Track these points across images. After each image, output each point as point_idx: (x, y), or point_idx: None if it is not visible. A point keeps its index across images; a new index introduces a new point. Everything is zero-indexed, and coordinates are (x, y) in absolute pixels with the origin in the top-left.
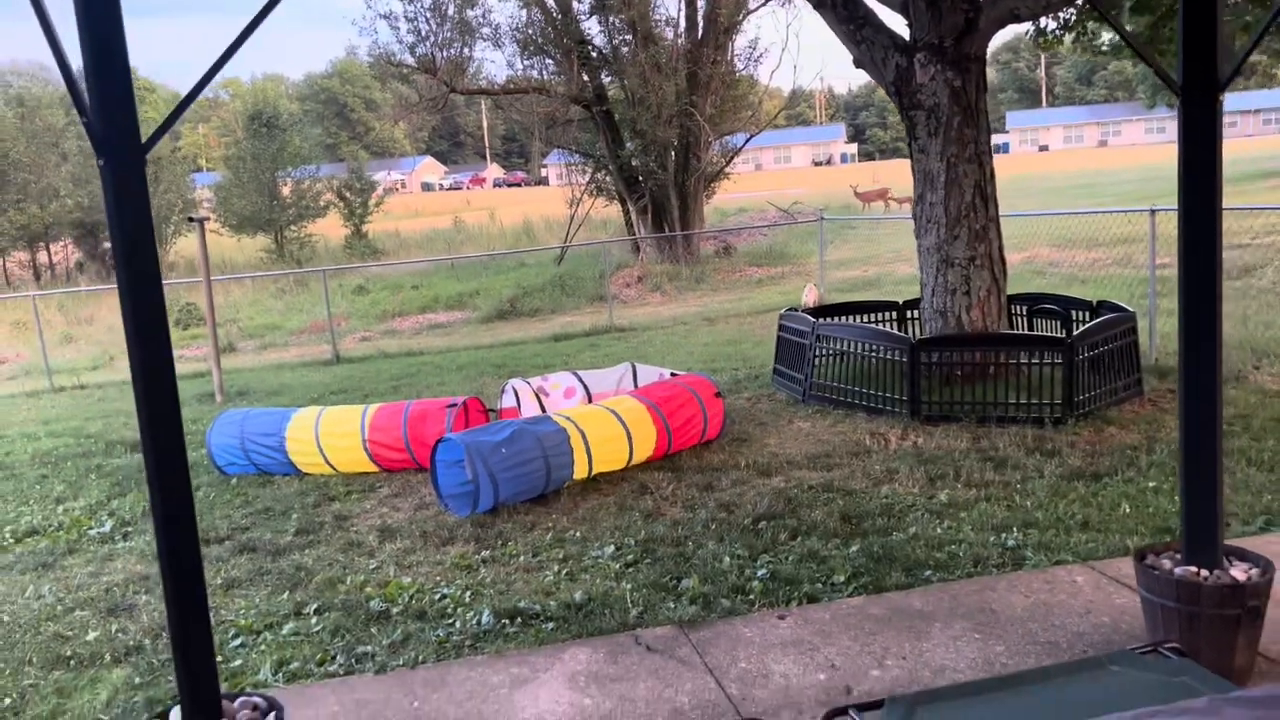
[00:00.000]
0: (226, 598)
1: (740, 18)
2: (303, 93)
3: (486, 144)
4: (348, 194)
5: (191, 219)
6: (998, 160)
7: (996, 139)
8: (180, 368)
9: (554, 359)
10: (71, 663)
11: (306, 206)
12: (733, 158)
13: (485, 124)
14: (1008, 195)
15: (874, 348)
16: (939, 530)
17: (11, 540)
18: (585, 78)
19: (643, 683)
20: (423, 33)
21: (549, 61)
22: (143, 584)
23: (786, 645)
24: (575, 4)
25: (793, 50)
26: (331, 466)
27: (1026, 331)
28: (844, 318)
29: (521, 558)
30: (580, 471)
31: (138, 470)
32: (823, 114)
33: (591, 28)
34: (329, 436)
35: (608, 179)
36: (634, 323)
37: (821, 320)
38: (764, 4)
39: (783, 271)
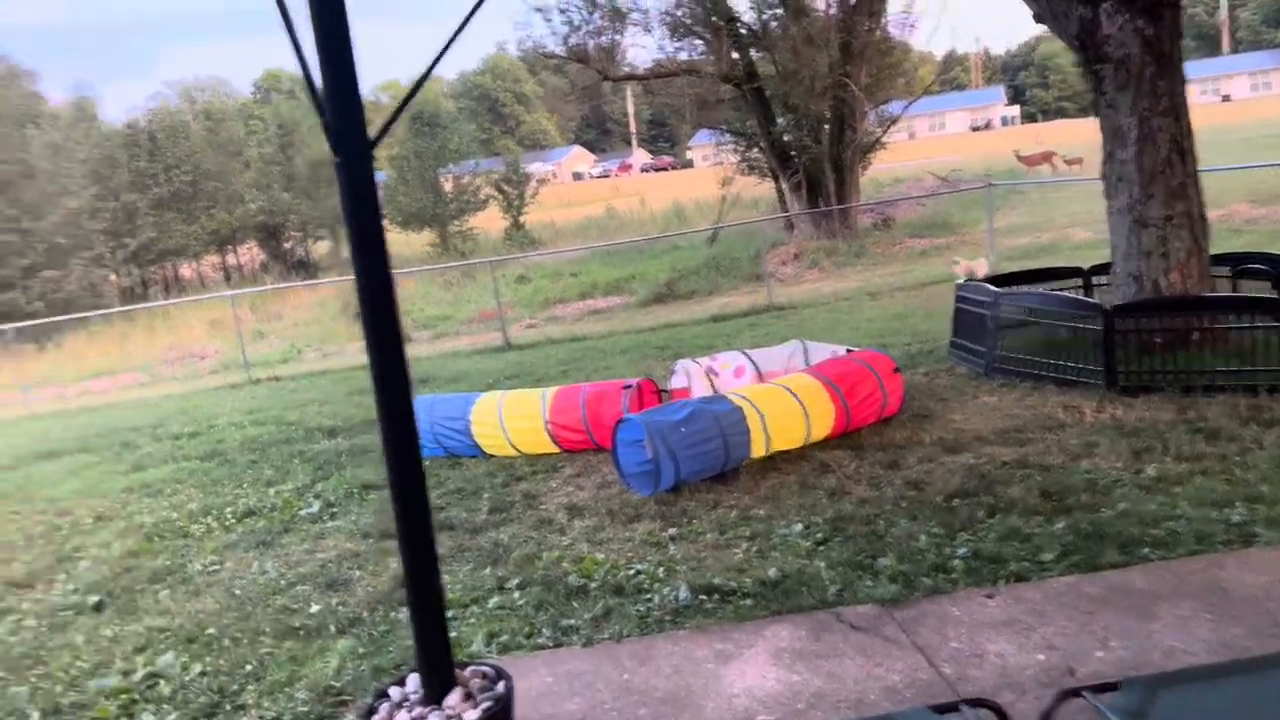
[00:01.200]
0: None
1: None
2: (457, 91)
3: (633, 130)
4: (505, 187)
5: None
6: None
7: None
8: (363, 359)
9: (714, 339)
10: (300, 633)
11: (467, 201)
12: (889, 126)
13: (631, 110)
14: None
15: (1064, 316)
16: (1152, 506)
17: (233, 520)
18: (735, 56)
19: (850, 660)
20: (575, 22)
21: (697, 42)
22: (354, 560)
23: (999, 625)
24: None
25: (950, 12)
26: (515, 448)
27: (1233, 294)
28: (1027, 286)
29: (709, 535)
30: (758, 450)
31: (337, 455)
32: (979, 77)
33: (739, 4)
34: (512, 419)
35: (759, 156)
36: (793, 300)
37: (1005, 290)
38: None
39: (948, 242)
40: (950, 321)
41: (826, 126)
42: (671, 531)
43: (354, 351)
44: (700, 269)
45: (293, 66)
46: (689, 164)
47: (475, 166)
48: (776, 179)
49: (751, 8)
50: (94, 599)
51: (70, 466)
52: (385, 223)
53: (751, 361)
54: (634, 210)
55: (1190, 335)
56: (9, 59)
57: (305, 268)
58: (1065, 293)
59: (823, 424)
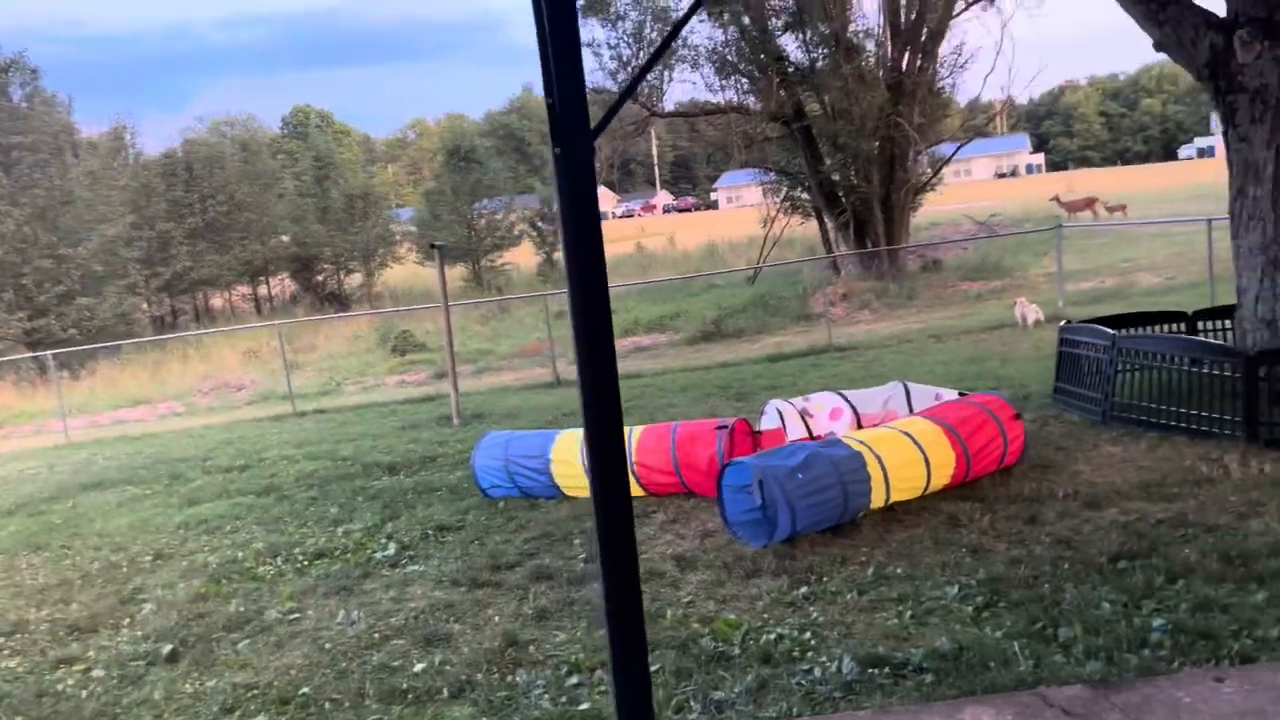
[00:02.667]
0: (543, 630)
1: (946, 24)
2: (483, 130)
3: (656, 171)
4: (539, 224)
5: (434, 245)
6: (1204, 165)
7: (1202, 142)
8: (405, 392)
9: (777, 380)
10: (408, 696)
11: (501, 237)
12: (942, 167)
13: (655, 151)
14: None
15: (1196, 362)
16: None
17: (304, 561)
18: (783, 94)
19: None
20: (624, 58)
21: (743, 80)
22: (448, 612)
23: (1245, 715)
24: (771, 20)
25: (1006, 54)
26: None
27: None
28: (1140, 329)
29: (848, 595)
30: (877, 499)
31: (402, 493)
32: (1004, 124)
33: (787, 43)
34: None
35: (804, 196)
36: (853, 341)
37: (1124, 332)
38: (969, 7)
39: (1002, 285)
40: (1053, 366)
41: (876, 166)
42: (803, 590)
43: (394, 385)
44: (746, 307)
45: (322, 102)
46: (713, 204)
47: (509, 203)
48: (821, 219)
49: (799, 47)
50: (167, 648)
51: (118, 498)
52: (417, 256)
53: (848, 403)
54: (664, 249)
55: None
56: (45, 89)
57: (337, 300)
58: (1195, 337)
59: (943, 473)
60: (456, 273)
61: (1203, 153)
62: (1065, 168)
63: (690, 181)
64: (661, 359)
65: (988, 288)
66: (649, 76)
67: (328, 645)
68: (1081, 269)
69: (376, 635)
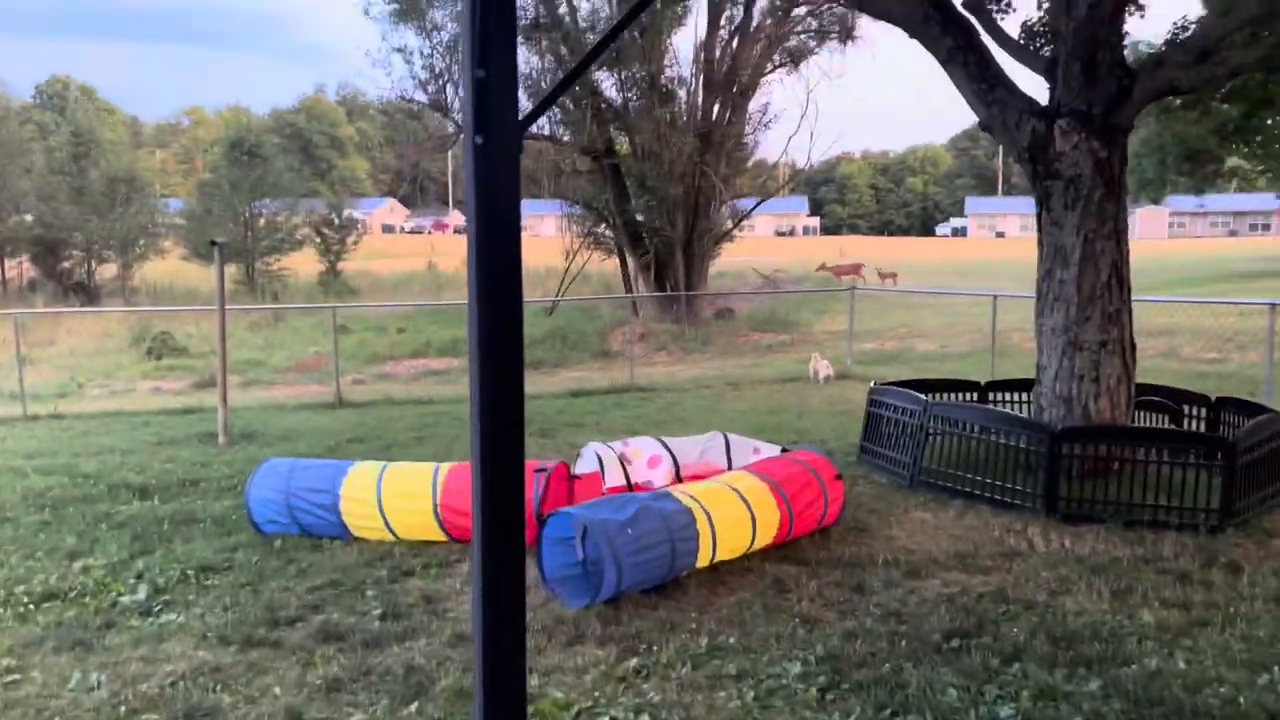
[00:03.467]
0: (334, 707)
1: (756, 82)
2: (268, 126)
3: (450, 190)
4: (326, 230)
5: (214, 242)
6: (959, 243)
7: (956, 222)
8: (161, 401)
9: (581, 418)
10: None
11: (281, 239)
12: (743, 219)
13: (450, 170)
14: (995, 278)
15: (1003, 434)
16: (1182, 665)
17: (29, 604)
18: (595, 129)
19: None
20: (436, 69)
21: (556, 110)
22: (214, 678)
23: None
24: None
25: (809, 119)
26: (392, 532)
27: (1179, 429)
28: (947, 396)
29: (682, 669)
30: (703, 558)
31: (156, 522)
32: (784, 185)
33: (604, 80)
34: (395, 498)
35: (607, 232)
36: (654, 382)
37: (936, 398)
38: (774, 70)
39: (790, 339)
40: (849, 422)
41: (682, 211)
42: (633, 662)
43: (147, 392)
44: (545, 338)
45: (82, 74)
46: None
47: (294, 204)
48: (623, 257)
49: (614, 85)
50: None
51: None
52: (184, 251)
53: (668, 450)
54: (458, 270)
55: (1111, 465)
56: None
57: (85, 291)
58: (1005, 410)
59: (768, 532)
60: (227, 273)
61: (956, 232)
62: (839, 232)
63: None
64: (456, 385)
65: (776, 340)
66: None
67: (57, 718)
68: (861, 330)
69: (123, 708)
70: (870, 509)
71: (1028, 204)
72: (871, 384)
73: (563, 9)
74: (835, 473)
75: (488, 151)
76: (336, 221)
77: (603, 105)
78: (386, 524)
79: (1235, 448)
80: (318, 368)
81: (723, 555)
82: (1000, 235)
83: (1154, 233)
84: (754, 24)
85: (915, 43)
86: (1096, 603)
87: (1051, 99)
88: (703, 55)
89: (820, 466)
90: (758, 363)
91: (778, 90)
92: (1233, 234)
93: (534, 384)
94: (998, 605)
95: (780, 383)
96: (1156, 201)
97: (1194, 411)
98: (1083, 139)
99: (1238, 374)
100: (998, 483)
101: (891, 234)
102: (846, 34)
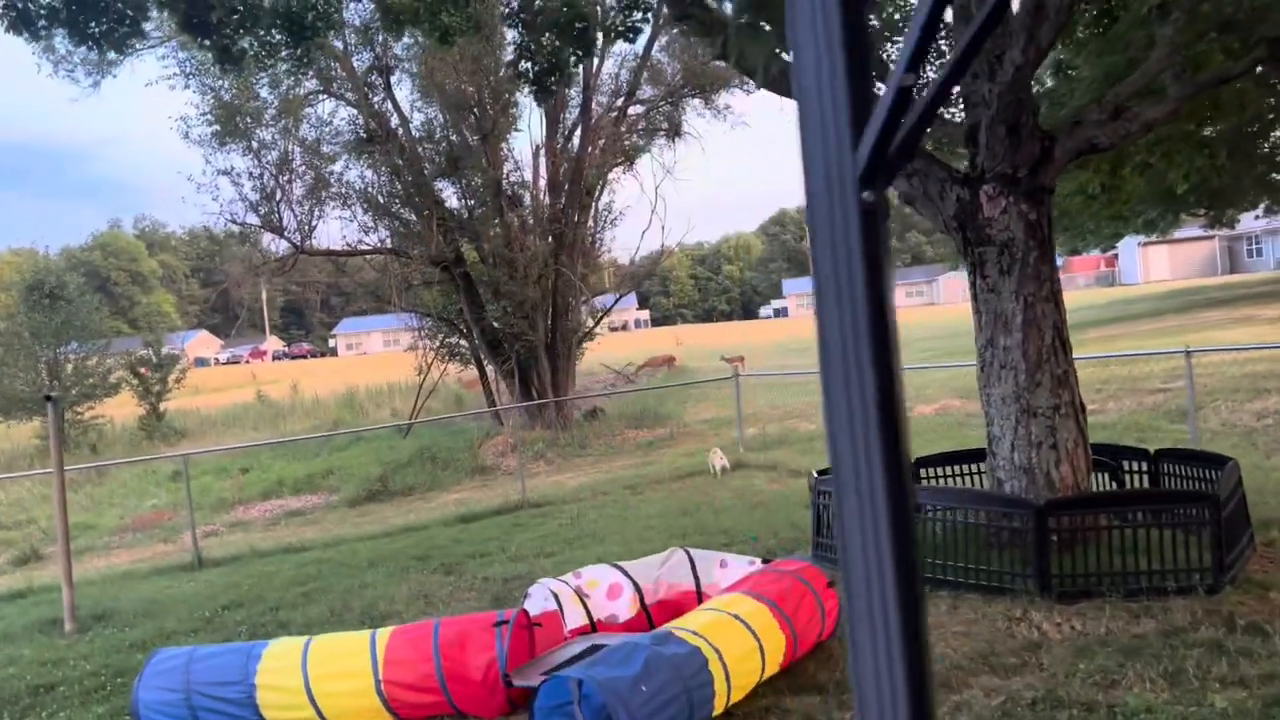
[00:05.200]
0: None
1: (599, 181)
2: (59, 266)
3: (265, 316)
4: (142, 370)
5: (49, 398)
6: (784, 323)
7: (777, 304)
8: None
9: (482, 545)
10: None
11: (93, 386)
12: (603, 316)
13: (265, 295)
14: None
15: (983, 515)
16: None
17: None
18: (441, 239)
19: None
20: (268, 189)
21: (397, 223)
22: None
23: None
24: (427, 166)
25: (659, 214)
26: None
27: (1159, 490)
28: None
29: None
30: (719, 704)
31: None
32: (611, 281)
33: (446, 189)
34: (325, 679)
35: (461, 343)
36: (545, 496)
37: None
38: (613, 168)
39: (669, 432)
40: (811, 519)
41: (542, 314)
42: None
43: None
44: (412, 461)
45: None
46: (331, 351)
47: (106, 345)
48: (481, 366)
49: (456, 194)
50: None
51: None
52: None
53: (627, 577)
54: (290, 397)
55: (1087, 534)
56: None
57: None
58: (981, 489)
59: (775, 659)
60: (31, 429)
61: (778, 312)
62: (674, 322)
63: (303, 328)
64: (324, 525)
65: (655, 436)
66: (295, 211)
67: None
68: (731, 415)
69: None
70: None
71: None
72: (813, 474)
73: (395, 122)
74: (826, 580)
75: (846, 214)
76: (155, 360)
77: (447, 215)
78: (319, 713)
79: (1220, 502)
80: (159, 523)
81: (736, 697)
82: None
83: (956, 297)
84: (593, 121)
85: (729, 136)
86: (1156, 693)
87: (972, 165)
88: (544, 157)
89: (812, 576)
90: (645, 461)
91: (625, 187)
92: None
93: (414, 512)
94: (1058, 711)
95: (678, 480)
96: (956, 268)
97: (1134, 466)
98: (1011, 203)
99: (1119, 422)
100: (982, 567)
101: (716, 320)
102: (675, 131)
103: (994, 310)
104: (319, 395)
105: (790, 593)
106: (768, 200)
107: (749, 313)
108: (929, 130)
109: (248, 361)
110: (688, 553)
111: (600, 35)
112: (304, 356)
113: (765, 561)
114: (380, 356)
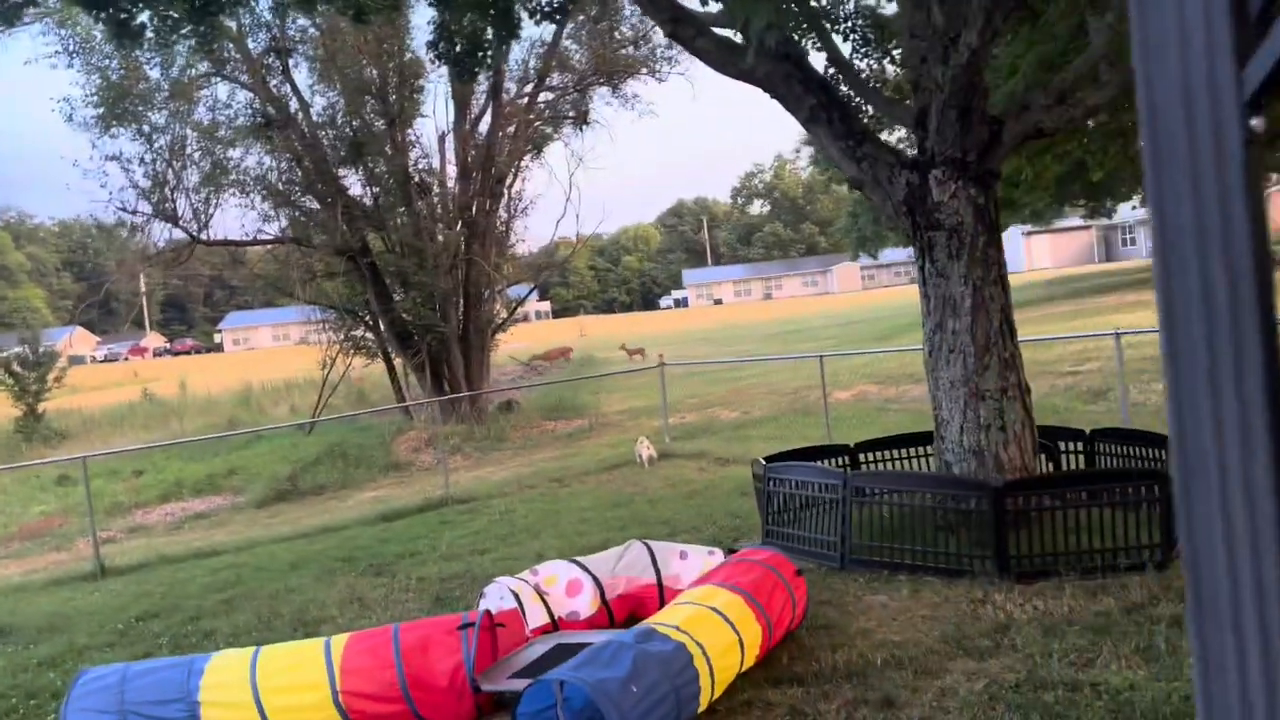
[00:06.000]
0: None
1: (510, 168)
2: None
3: (146, 311)
4: (18, 369)
5: None
6: (685, 314)
7: (677, 294)
8: None
9: (411, 543)
10: None
11: None
12: (517, 307)
13: (144, 288)
14: (741, 340)
15: (940, 498)
16: None
17: None
18: (346, 228)
19: None
20: (160, 176)
21: (299, 212)
22: None
23: None
24: (329, 152)
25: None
26: None
27: (1116, 469)
28: (814, 462)
29: None
30: (704, 700)
31: None
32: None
33: (351, 178)
34: (277, 692)
35: (368, 335)
36: (469, 491)
37: (854, 472)
38: (524, 155)
39: (588, 424)
40: (761, 506)
41: (454, 305)
42: None
43: None
44: (321, 459)
45: None
46: (217, 347)
47: None
48: (389, 360)
49: (361, 182)
50: None
51: None
52: None
53: (587, 572)
54: (178, 395)
55: (1042, 514)
56: None
57: None
58: (940, 473)
59: (752, 652)
60: None
61: (679, 303)
62: (575, 313)
63: (185, 323)
64: (232, 527)
65: (572, 427)
66: (191, 199)
67: None
68: (647, 405)
69: None
70: (820, 600)
71: (736, 271)
72: (760, 461)
73: (294, 106)
74: (794, 569)
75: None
76: (31, 357)
77: (351, 204)
78: None
79: (1168, 479)
80: (49, 531)
81: (717, 692)
82: (718, 302)
83: (849, 286)
84: (505, 108)
85: (630, 127)
86: (1133, 669)
87: (921, 149)
88: (453, 143)
89: (779, 564)
90: (568, 453)
91: (535, 176)
92: (914, 281)
93: (330, 512)
94: (1043, 692)
95: (605, 471)
96: (874, 256)
97: (1070, 447)
98: (960, 187)
99: (1037, 405)
100: (940, 550)
101: (617, 311)
102: (583, 119)
103: (942, 294)
104: (211, 393)
105: (762, 583)
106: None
107: (649, 303)
108: (874, 114)
109: (128, 359)
110: (647, 545)
111: (524, 15)
112: (188, 353)
113: (729, 552)
114: (271, 352)
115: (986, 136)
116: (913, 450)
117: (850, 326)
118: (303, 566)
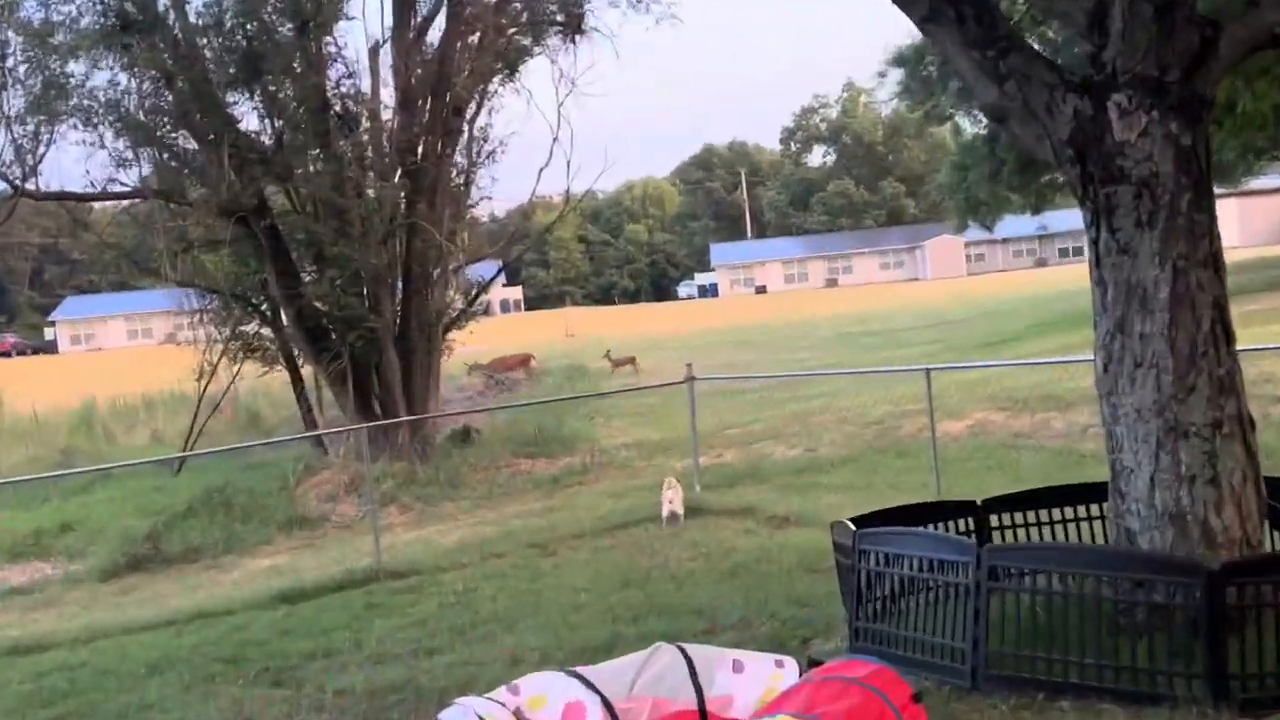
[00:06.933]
0: None
1: (472, 95)
2: None
3: None
4: None
5: None
6: (712, 307)
7: (703, 278)
8: None
9: (325, 639)
10: None
11: None
12: (479, 293)
13: None
14: (795, 346)
15: (1121, 585)
16: None
17: None
18: (238, 178)
19: None
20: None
21: (168, 154)
22: None
23: None
24: (214, 69)
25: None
26: None
27: None
28: (926, 526)
29: None
30: None
31: None
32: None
33: (242, 104)
34: None
35: (264, 332)
36: (413, 561)
37: (991, 546)
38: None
39: (580, 462)
40: (846, 594)
41: (391, 289)
42: None
43: None
44: (196, 509)
45: None
46: (50, 346)
47: None
48: (294, 367)
49: (258, 113)
50: None
51: None
52: None
53: (594, 691)
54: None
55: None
56: None
57: None
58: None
59: None
60: None
61: (705, 291)
62: (561, 303)
63: (3, 311)
64: (65, 608)
65: (557, 466)
66: (14, 133)
67: None
68: (665, 438)
69: None
70: None
71: (785, 246)
72: (846, 524)
73: (163, 2)
74: (910, 691)
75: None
76: None
77: (243, 143)
78: None
79: None
80: None
81: None
82: (761, 290)
83: (949, 269)
84: (466, 6)
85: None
86: None
87: (1098, 64)
88: (390, 56)
89: (887, 685)
90: (552, 506)
91: (511, 105)
92: (1041, 263)
93: (207, 588)
94: None
95: (607, 533)
96: (990, 228)
97: None
98: (1155, 120)
99: None
100: (1122, 665)
101: (613, 302)
102: (575, 25)
103: (1126, 280)
104: (38, 411)
105: (863, 713)
106: (687, 134)
107: (662, 291)
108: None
109: None
110: (682, 650)
111: None
112: (8, 354)
113: (810, 664)
114: (125, 354)
115: (1196, 45)
116: (1070, 511)
117: (952, 327)
118: (167, 670)
